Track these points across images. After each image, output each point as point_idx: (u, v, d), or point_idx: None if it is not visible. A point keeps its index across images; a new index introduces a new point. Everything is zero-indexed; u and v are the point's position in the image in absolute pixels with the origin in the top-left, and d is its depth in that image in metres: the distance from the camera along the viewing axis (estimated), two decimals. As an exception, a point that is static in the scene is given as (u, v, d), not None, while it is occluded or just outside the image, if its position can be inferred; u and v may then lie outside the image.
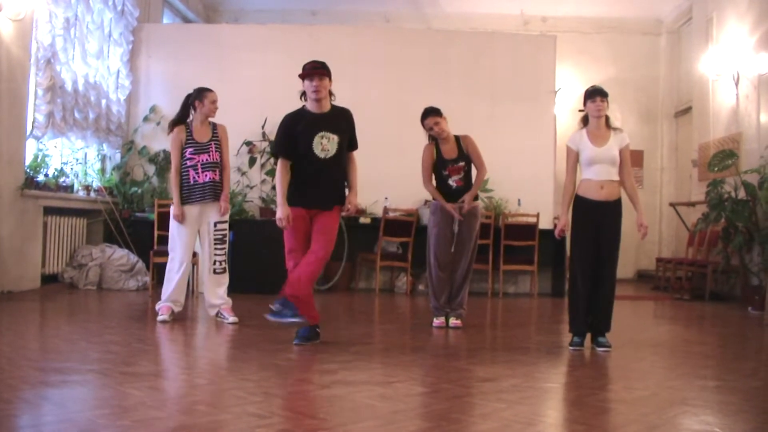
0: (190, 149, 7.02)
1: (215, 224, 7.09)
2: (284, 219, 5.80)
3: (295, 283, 5.69)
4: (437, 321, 7.18)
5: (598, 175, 6.07)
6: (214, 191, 7.05)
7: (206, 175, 7.01)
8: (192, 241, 7.15)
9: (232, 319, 6.99)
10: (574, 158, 6.23)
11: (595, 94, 6.13)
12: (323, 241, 5.82)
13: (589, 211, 6.08)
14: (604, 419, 4.01)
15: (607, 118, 6.20)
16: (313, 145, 5.79)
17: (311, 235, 5.87)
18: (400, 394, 4.45)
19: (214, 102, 7.08)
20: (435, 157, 7.14)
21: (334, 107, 5.93)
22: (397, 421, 3.74)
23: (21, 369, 4.68)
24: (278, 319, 5.62)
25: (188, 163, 7.01)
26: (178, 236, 7.07)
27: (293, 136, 5.83)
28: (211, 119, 7.16)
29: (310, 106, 5.84)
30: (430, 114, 7.11)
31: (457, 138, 7.20)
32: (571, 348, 6.07)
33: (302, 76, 5.78)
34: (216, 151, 7.07)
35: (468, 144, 7.20)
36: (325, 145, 5.79)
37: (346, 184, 6.07)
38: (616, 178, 6.12)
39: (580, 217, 6.14)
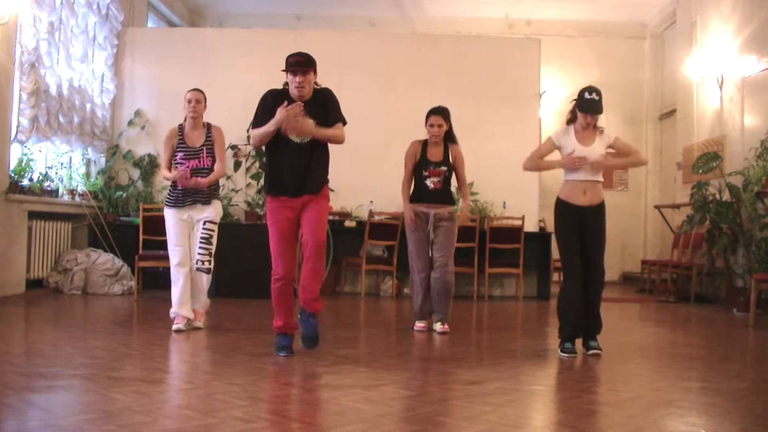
0: (181, 153, 6.74)
1: (204, 223, 6.80)
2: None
3: (310, 301, 5.53)
4: (419, 325, 7.20)
5: (583, 175, 6.03)
6: (202, 196, 6.80)
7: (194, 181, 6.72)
8: (182, 244, 6.81)
9: (196, 324, 6.85)
10: (548, 149, 6.20)
11: (589, 110, 5.98)
12: (312, 227, 5.53)
13: (572, 216, 6.05)
14: (589, 422, 4.02)
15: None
16: None
17: (300, 233, 5.62)
18: (385, 398, 4.46)
19: (190, 101, 6.77)
20: (418, 157, 7.16)
21: (315, 91, 5.63)
22: (383, 424, 3.74)
23: (5, 374, 4.65)
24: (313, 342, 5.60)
25: (178, 167, 6.71)
26: (168, 240, 6.84)
27: (271, 114, 5.52)
28: (206, 121, 6.88)
29: (292, 92, 5.57)
30: (437, 113, 7.14)
31: (446, 145, 7.22)
32: (564, 355, 5.92)
33: (285, 71, 5.56)
34: (208, 157, 6.76)
35: (456, 154, 7.22)
36: None
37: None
38: (600, 179, 6.13)
39: (564, 221, 6.12)
